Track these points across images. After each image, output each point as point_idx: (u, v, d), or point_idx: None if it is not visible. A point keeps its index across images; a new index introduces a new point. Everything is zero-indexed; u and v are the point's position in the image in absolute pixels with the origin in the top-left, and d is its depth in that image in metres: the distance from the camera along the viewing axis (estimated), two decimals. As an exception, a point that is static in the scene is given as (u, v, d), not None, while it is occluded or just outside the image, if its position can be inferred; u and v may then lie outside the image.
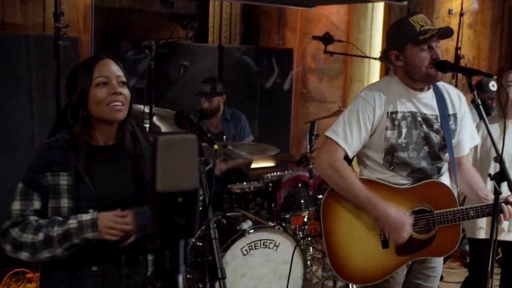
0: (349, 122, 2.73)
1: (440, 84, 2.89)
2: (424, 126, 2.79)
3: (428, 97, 2.82)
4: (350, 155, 2.77)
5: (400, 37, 2.75)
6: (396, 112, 2.74)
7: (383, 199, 2.71)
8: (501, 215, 2.76)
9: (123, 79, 2.22)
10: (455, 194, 2.82)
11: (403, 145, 2.75)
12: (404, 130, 2.75)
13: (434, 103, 2.83)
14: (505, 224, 3.60)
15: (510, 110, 3.72)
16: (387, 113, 2.74)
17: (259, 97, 6.39)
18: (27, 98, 4.69)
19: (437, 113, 2.82)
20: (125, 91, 2.20)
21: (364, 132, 2.74)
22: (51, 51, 3.73)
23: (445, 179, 2.90)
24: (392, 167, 2.77)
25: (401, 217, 2.68)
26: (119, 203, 2.15)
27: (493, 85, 5.30)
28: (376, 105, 2.74)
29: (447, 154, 2.86)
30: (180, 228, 1.01)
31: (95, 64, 2.19)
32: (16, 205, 2.12)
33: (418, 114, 2.78)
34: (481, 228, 3.70)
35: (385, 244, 2.75)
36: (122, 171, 2.23)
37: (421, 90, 2.81)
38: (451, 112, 2.87)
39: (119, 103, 2.17)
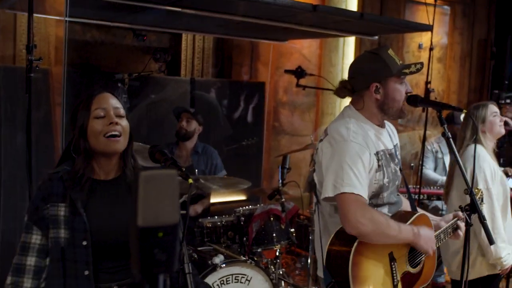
0: (357, 169, 2.54)
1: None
2: (391, 162, 2.78)
3: (385, 131, 2.82)
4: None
5: (384, 69, 2.67)
6: (378, 153, 2.68)
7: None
8: (460, 232, 2.84)
9: (122, 111, 2.26)
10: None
11: (386, 184, 2.71)
12: (385, 170, 2.70)
13: (388, 137, 2.83)
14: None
15: (489, 140, 3.77)
16: (374, 154, 2.66)
17: (230, 130, 6.40)
18: (-4, 127, 4.64)
19: (392, 145, 2.83)
20: (123, 122, 2.24)
21: (368, 176, 2.61)
22: (21, 82, 3.69)
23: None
24: (375, 209, 2.69)
25: (430, 230, 2.70)
26: (114, 237, 2.16)
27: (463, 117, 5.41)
28: (369, 147, 2.63)
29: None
30: (160, 263, 1.01)
31: (93, 98, 2.24)
32: (22, 238, 2.20)
33: (386, 151, 2.76)
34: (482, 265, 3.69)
35: (396, 287, 2.66)
36: (120, 205, 2.24)
37: (382, 126, 2.79)
38: (395, 142, 2.90)
39: (116, 133, 2.19)
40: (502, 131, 3.78)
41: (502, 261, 3.56)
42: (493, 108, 3.78)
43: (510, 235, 3.68)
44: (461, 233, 2.85)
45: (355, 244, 2.51)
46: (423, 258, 2.77)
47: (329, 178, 2.58)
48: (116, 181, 2.28)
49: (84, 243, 2.13)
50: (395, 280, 2.64)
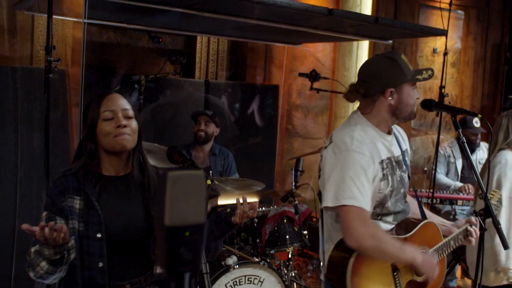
0: (360, 181, 2.52)
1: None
2: (397, 169, 2.75)
3: (392, 138, 2.79)
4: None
5: (400, 75, 2.65)
6: (382, 161, 2.66)
7: None
8: (472, 238, 2.83)
9: (130, 112, 2.30)
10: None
11: (390, 193, 2.69)
12: (389, 178, 2.68)
13: (396, 143, 2.81)
14: None
15: None
16: (379, 163, 2.63)
17: (244, 131, 6.42)
18: (12, 129, 4.68)
19: (400, 152, 2.81)
20: (132, 123, 2.29)
21: (372, 187, 2.59)
22: (38, 83, 3.75)
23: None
24: (379, 217, 2.69)
25: (432, 259, 2.68)
26: (126, 230, 2.24)
27: (476, 122, 5.41)
28: (373, 157, 2.60)
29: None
30: (186, 262, 1.03)
31: (103, 99, 2.29)
32: None
33: (392, 158, 2.73)
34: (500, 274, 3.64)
35: None
36: (130, 200, 2.30)
37: (389, 132, 2.78)
38: (404, 148, 2.89)
39: (125, 135, 2.25)
40: None
41: (510, 272, 3.53)
42: None
43: None
44: (473, 238, 2.84)
45: (356, 253, 2.50)
46: None
47: (330, 188, 2.56)
48: (126, 178, 2.33)
49: (99, 235, 2.19)
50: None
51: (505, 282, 3.59)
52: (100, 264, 2.19)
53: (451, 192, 5.50)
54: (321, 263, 4.90)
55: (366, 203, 2.52)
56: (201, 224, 1.03)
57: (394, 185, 2.70)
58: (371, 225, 2.55)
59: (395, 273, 2.62)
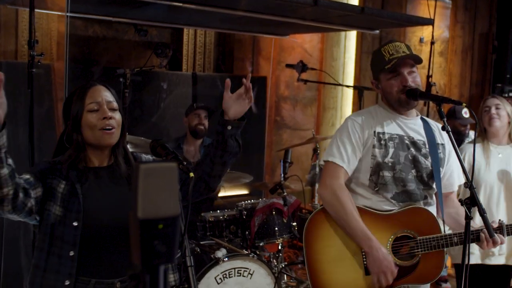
0: (342, 141, 2.84)
1: (431, 120, 3.02)
2: (412, 149, 2.85)
3: (415, 123, 2.93)
4: (349, 173, 2.84)
5: (375, 67, 2.94)
6: (384, 133, 2.85)
7: (368, 225, 2.74)
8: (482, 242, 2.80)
9: (115, 104, 2.30)
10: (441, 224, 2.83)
11: (389, 164, 2.80)
12: (391, 150, 2.82)
13: (421, 130, 2.92)
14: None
15: (490, 134, 3.83)
16: (375, 132, 2.84)
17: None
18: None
19: (425, 139, 2.89)
20: (117, 115, 2.29)
21: (357, 149, 2.83)
22: (23, 78, 3.71)
23: (432, 210, 2.89)
24: (377, 188, 2.80)
25: (389, 261, 2.69)
26: (106, 221, 2.21)
27: (465, 112, 5.42)
28: (365, 124, 2.86)
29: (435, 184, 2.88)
30: (160, 254, 1.02)
31: (87, 91, 2.28)
32: None
33: (405, 137, 2.86)
34: (472, 253, 3.70)
35: (368, 270, 2.75)
36: (113, 191, 2.29)
37: (407, 116, 2.92)
38: (439, 141, 2.93)
39: (110, 127, 2.24)
40: (492, 125, 3.80)
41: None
42: (486, 102, 3.85)
43: None
44: (483, 244, 2.78)
45: (314, 212, 2.86)
46: (418, 253, 2.77)
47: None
48: (109, 169, 2.33)
49: (75, 223, 2.17)
50: (366, 261, 2.73)
51: (479, 261, 3.72)
52: (71, 253, 2.16)
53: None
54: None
55: (343, 161, 2.81)
56: (175, 216, 1.02)
57: (398, 160, 2.82)
58: (340, 186, 2.79)
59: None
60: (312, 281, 2.80)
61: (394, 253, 2.77)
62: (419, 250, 2.77)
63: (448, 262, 5.92)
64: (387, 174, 2.79)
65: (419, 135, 2.90)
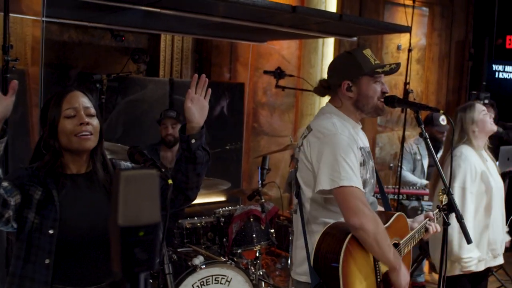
0: (351, 161, 2.57)
1: None
2: (371, 160, 2.83)
3: (362, 132, 2.88)
4: None
5: (356, 68, 2.72)
6: (361, 148, 2.72)
7: None
8: (427, 233, 2.90)
9: (92, 110, 2.27)
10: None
11: (368, 180, 2.75)
12: (367, 166, 2.75)
13: (364, 136, 2.89)
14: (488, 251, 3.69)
15: (479, 139, 3.77)
16: (358, 149, 2.69)
17: (210, 131, 6.39)
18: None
19: (368, 145, 2.89)
20: (94, 121, 2.26)
21: (360, 169, 2.65)
22: (-4, 83, 3.65)
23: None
24: None
25: (407, 274, 2.68)
26: (82, 228, 2.19)
27: (443, 119, 5.47)
28: (355, 140, 2.68)
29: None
30: (141, 262, 1.01)
31: (64, 96, 2.25)
32: None
33: (366, 148, 2.81)
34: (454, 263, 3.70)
35: (379, 285, 2.68)
36: (91, 199, 2.26)
37: (359, 126, 2.83)
38: (367, 145, 2.93)
39: (87, 133, 2.22)
40: (494, 128, 3.79)
41: (462, 261, 3.57)
42: (480, 107, 3.78)
43: (496, 232, 3.70)
44: (430, 232, 2.89)
45: (346, 241, 2.50)
46: (401, 257, 2.78)
47: (323, 171, 2.57)
48: (87, 175, 2.30)
49: (51, 231, 2.14)
50: (378, 279, 2.67)
51: (457, 272, 3.63)
52: (47, 261, 2.14)
53: (418, 188, 5.55)
54: (289, 261, 4.92)
55: (360, 183, 2.56)
56: (156, 223, 1.01)
57: (370, 174, 2.77)
58: (372, 209, 2.57)
59: (376, 263, 2.65)
60: None
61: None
62: (402, 253, 2.77)
63: (426, 268, 5.97)
64: (366, 190, 2.73)
65: (367, 142, 2.87)
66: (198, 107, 2.37)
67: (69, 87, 2.35)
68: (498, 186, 3.73)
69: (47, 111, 2.26)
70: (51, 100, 2.27)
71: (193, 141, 2.31)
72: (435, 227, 2.92)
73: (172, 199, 2.35)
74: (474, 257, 3.57)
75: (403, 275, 2.62)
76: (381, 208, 3.00)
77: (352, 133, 2.70)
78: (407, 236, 2.82)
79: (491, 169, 3.74)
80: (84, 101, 2.27)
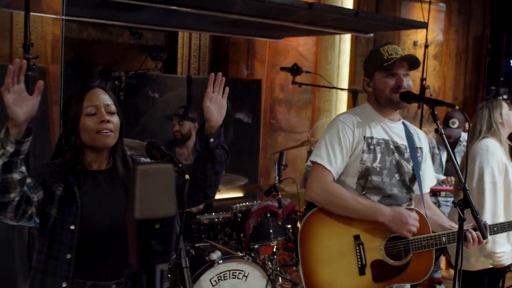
0: (331, 144, 2.81)
1: (409, 124, 3.04)
2: (396, 154, 2.88)
3: (398, 127, 2.94)
4: (335, 177, 2.83)
5: (370, 65, 2.92)
6: (372, 137, 2.85)
7: (362, 225, 2.79)
8: (468, 243, 2.83)
9: (113, 108, 2.30)
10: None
11: (378, 169, 2.83)
12: (378, 155, 2.84)
13: (403, 134, 2.94)
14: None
15: (503, 133, 3.76)
16: (364, 136, 2.84)
17: (228, 127, 6.41)
18: (-8, 128, 4.63)
19: (406, 143, 2.93)
20: (114, 119, 2.28)
21: (345, 154, 2.82)
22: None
23: None
24: (364, 192, 2.83)
25: (401, 210, 2.76)
26: (104, 226, 2.22)
27: (453, 123, 5.44)
28: (355, 128, 2.84)
29: (416, 186, 2.94)
30: (157, 254, 1.04)
31: (85, 94, 2.27)
32: None
33: (390, 142, 2.88)
34: (479, 259, 3.68)
35: (362, 270, 2.79)
36: (111, 195, 2.29)
37: (392, 120, 2.93)
38: (418, 145, 2.98)
39: (108, 131, 2.24)
40: None
41: (496, 256, 3.58)
42: (505, 103, 3.80)
43: None
44: (469, 244, 2.81)
45: (309, 213, 2.82)
46: (410, 253, 2.81)
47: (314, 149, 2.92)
48: (108, 172, 2.33)
49: (72, 227, 2.17)
50: (360, 262, 2.77)
51: (480, 267, 3.65)
52: (68, 256, 2.17)
53: (436, 184, 5.53)
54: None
55: (331, 165, 2.79)
56: (171, 216, 1.04)
57: (385, 165, 2.84)
58: (326, 181, 2.79)
59: (357, 245, 2.78)
60: (306, 281, 2.81)
61: (387, 253, 2.80)
62: (411, 250, 2.80)
63: (443, 263, 5.95)
64: (375, 178, 2.82)
65: (402, 140, 2.93)
66: (216, 106, 2.37)
67: (90, 84, 2.37)
68: None
69: (68, 108, 2.29)
70: (72, 97, 2.29)
71: (211, 140, 2.32)
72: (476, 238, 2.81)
73: (191, 196, 2.38)
74: (506, 251, 3.59)
75: (393, 221, 2.72)
76: (442, 225, 2.99)
77: (362, 123, 2.87)
78: (424, 235, 2.81)
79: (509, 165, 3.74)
80: (105, 98, 2.29)
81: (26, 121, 2.01)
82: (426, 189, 3.07)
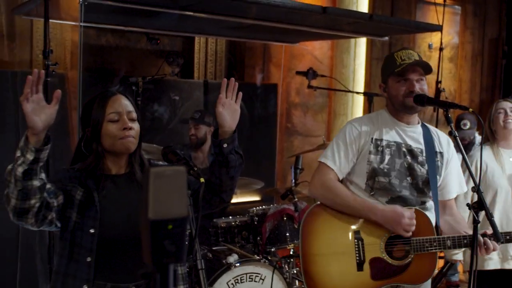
0: (337, 145, 2.92)
1: (432, 127, 3.06)
2: (408, 156, 2.90)
3: (415, 131, 2.96)
4: (340, 177, 2.92)
5: (384, 71, 3.00)
6: (381, 140, 2.90)
7: (364, 222, 2.84)
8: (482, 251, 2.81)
9: (134, 114, 2.34)
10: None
11: (385, 170, 2.86)
12: (387, 157, 2.88)
13: (420, 138, 2.95)
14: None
15: (501, 137, 3.84)
16: (372, 138, 2.91)
17: (244, 131, 6.45)
18: (13, 133, 4.71)
19: (423, 147, 2.93)
20: (136, 125, 2.33)
21: (351, 154, 2.91)
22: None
23: (429, 216, 2.92)
24: (373, 192, 2.87)
25: (396, 209, 2.77)
26: (122, 229, 2.26)
27: (464, 124, 5.44)
28: (362, 130, 2.92)
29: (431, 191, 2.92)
30: (170, 254, 1.07)
31: (108, 100, 2.32)
32: None
33: (403, 145, 2.91)
34: (490, 259, 3.71)
35: (360, 266, 2.81)
36: (129, 199, 2.33)
37: (408, 123, 2.96)
38: (437, 149, 2.97)
39: (130, 138, 2.29)
40: (507, 127, 3.80)
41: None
42: (500, 105, 3.83)
43: None
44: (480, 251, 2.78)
45: (313, 206, 2.95)
46: (411, 254, 2.80)
47: None
48: (126, 176, 2.37)
49: (92, 231, 2.22)
50: (358, 258, 2.80)
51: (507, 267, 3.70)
52: (88, 259, 2.21)
53: (465, 191, 5.50)
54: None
55: (334, 164, 2.90)
56: (184, 217, 1.07)
57: (394, 167, 2.87)
58: (326, 177, 2.90)
59: (357, 241, 2.83)
60: (304, 272, 2.87)
61: (387, 251, 2.82)
62: (412, 250, 2.80)
63: (460, 267, 5.93)
64: (382, 179, 2.86)
65: (418, 143, 2.94)
66: (229, 112, 2.40)
67: (112, 90, 2.41)
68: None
69: (89, 112, 2.32)
70: (94, 102, 2.33)
71: (225, 145, 2.35)
72: (494, 245, 2.78)
73: (208, 201, 2.41)
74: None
75: (386, 218, 2.76)
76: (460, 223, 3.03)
77: (373, 125, 2.94)
78: (428, 237, 2.80)
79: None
80: (127, 104, 2.34)
81: (45, 129, 2.05)
82: (452, 195, 3.05)
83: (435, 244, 2.80)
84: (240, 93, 2.44)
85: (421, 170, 2.91)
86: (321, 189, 2.90)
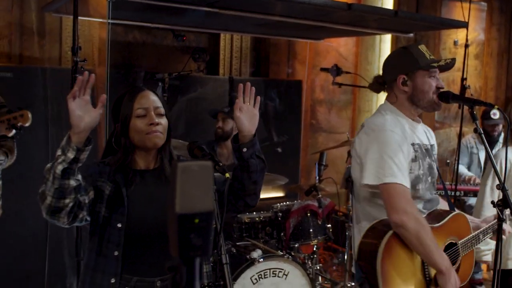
0: (398, 159, 2.57)
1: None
2: (427, 156, 2.81)
3: (421, 128, 2.88)
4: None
5: (412, 62, 2.74)
6: (414, 144, 2.72)
7: None
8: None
9: (162, 110, 2.37)
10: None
11: (421, 176, 2.74)
12: (421, 162, 2.73)
13: (424, 134, 2.89)
14: None
15: None
16: (410, 144, 2.70)
17: (269, 127, 6.47)
18: (43, 129, 4.79)
19: (429, 143, 2.88)
20: (163, 121, 2.36)
21: (407, 165, 2.64)
22: (66, 83, 3.85)
23: (442, 205, 2.94)
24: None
25: (457, 279, 2.61)
26: (149, 224, 2.29)
27: (494, 113, 5.39)
28: (406, 137, 2.67)
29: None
30: (196, 247, 1.10)
31: (136, 96, 2.35)
32: None
33: (422, 145, 2.80)
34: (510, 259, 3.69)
35: (428, 284, 2.65)
36: (158, 194, 2.35)
37: (416, 120, 2.84)
38: (431, 143, 2.93)
39: (157, 133, 2.32)
40: None
41: None
42: None
43: None
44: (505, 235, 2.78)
45: (386, 237, 2.51)
46: (460, 257, 2.79)
47: (369, 166, 2.60)
48: (155, 171, 2.40)
49: (119, 225, 2.25)
50: (427, 276, 2.62)
51: None
52: (116, 253, 2.25)
53: (476, 184, 5.49)
54: (346, 256, 4.96)
55: (406, 180, 2.56)
56: (209, 211, 1.10)
57: (425, 171, 2.76)
58: (415, 207, 2.56)
59: (425, 263, 2.62)
60: None
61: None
62: (460, 253, 2.78)
63: (484, 266, 5.88)
64: (421, 186, 2.73)
65: (427, 141, 2.87)
66: (247, 116, 2.38)
67: (140, 86, 2.44)
68: None
69: (118, 108, 2.37)
70: (123, 97, 2.37)
71: (244, 150, 2.34)
72: (508, 228, 2.86)
73: (233, 204, 2.42)
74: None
75: (451, 279, 2.55)
76: (444, 204, 2.99)
77: (406, 129, 2.72)
78: (468, 236, 2.80)
79: None
80: (155, 100, 2.37)
81: (86, 130, 2.09)
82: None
83: (473, 241, 2.82)
84: (259, 97, 2.42)
85: (435, 169, 2.86)
86: (414, 222, 2.48)
